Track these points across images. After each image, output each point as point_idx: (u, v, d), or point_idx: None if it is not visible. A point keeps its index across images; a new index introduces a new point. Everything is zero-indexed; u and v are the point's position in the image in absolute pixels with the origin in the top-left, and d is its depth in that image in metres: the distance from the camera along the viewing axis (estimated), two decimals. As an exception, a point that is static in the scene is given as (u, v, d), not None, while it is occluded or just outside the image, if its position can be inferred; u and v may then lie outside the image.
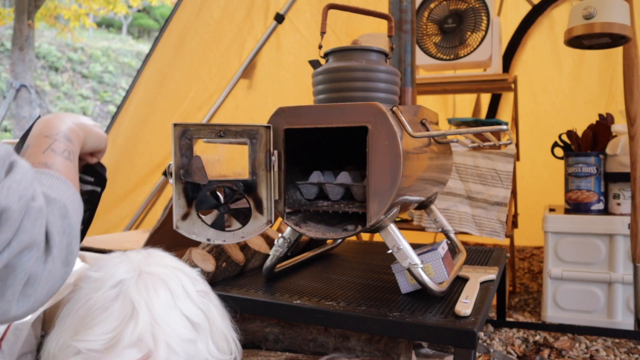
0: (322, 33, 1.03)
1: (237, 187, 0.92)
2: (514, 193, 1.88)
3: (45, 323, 1.63)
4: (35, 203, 0.52)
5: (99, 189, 0.83)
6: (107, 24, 14.01)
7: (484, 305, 0.94)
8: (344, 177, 1.01)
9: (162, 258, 0.67)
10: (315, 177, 1.04)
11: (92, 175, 0.82)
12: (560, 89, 2.62)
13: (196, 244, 1.19)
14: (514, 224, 1.95)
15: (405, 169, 0.88)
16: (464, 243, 1.76)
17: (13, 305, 0.51)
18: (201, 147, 0.94)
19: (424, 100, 2.71)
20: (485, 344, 1.51)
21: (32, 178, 0.53)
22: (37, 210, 0.52)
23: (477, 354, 1.39)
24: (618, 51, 1.80)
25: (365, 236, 2.15)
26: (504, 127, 0.90)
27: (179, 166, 0.89)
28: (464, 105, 2.85)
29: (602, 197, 1.71)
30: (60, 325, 0.61)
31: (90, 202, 0.81)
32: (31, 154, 0.66)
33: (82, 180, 0.80)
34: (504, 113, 2.75)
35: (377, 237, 2.12)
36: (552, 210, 1.79)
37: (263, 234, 1.32)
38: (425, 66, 1.99)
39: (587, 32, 1.39)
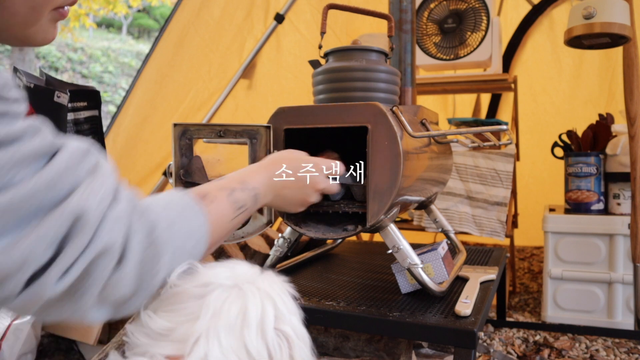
0: (322, 33, 1.03)
1: (237, 187, 0.92)
2: (514, 193, 1.88)
3: (45, 323, 1.63)
4: (117, 208, 0.48)
5: (96, 112, 0.82)
6: (107, 24, 14.01)
7: (484, 305, 0.94)
8: (344, 178, 1.01)
9: (272, 280, 0.61)
10: None
11: (85, 100, 0.80)
12: (560, 89, 2.62)
13: (196, 244, 1.19)
14: (514, 224, 1.95)
15: (405, 169, 0.88)
16: (464, 243, 1.76)
17: (88, 312, 0.48)
18: (201, 147, 0.94)
19: (424, 100, 2.71)
20: (485, 344, 1.51)
21: (114, 181, 0.50)
22: (118, 215, 0.48)
23: (477, 354, 1.39)
24: (618, 51, 1.80)
25: (365, 236, 2.15)
26: (504, 127, 0.90)
27: (179, 166, 0.89)
28: (464, 105, 2.85)
29: (602, 197, 1.71)
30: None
31: (94, 126, 0.80)
32: (213, 182, 0.66)
33: (75, 109, 0.78)
34: (504, 113, 2.75)
35: (377, 237, 2.12)
36: (552, 210, 1.79)
37: (263, 234, 1.32)
38: (425, 66, 1.99)
39: (587, 32, 1.39)
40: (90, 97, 0.80)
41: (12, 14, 0.52)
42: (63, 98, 0.74)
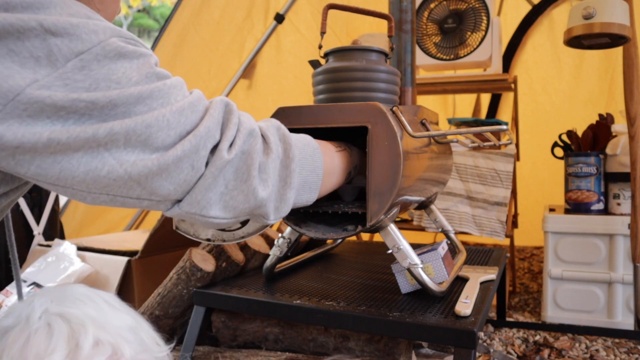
0: (322, 33, 1.03)
1: (237, 187, 0.93)
2: (514, 193, 1.88)
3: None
4: (243, 112, 0.63)
5: None
6: (107, 24, 13.98)
7: (484, 305, 0.94)
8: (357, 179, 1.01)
9: (73, 289, 0.62)
10: None
11: None
12: (560, 89, 2.62)
13: (196, 244, 1.19)
14: (514, 224, 1.95)
15: (405, 169, 0.88)
16: (464, 243, 1.76)
17: (258, 186, 0.60)
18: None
19: (424, 100, 2.71)
20: (485, 344, 1.51)
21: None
22: (247, 114, 0.63)
23: (477, 354, 1.39)
24: (618, 51, 1.80)
25: (365, 236, 2.15)
26: (504, 127, 0.90)
27: (179, 166, 0.89)
28: (464, 105, 2.85)
29: (602, 197, 1.71)
30: None
31: None
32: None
33: None
34: (504, 113, 2.75)
35: (377, 237, 2.12)
36: (552, 210, 1.79)
37: (263, 234, 1.32)
38: (425, 66, 1.99)
39: (586, 32, 1.39)
40: None
41: (111, 9, 0.66)
42: None
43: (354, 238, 1.87)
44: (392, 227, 0.95)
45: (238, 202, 0.60)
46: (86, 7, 0.53)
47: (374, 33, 2.00)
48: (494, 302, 1.65)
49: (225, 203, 0.59)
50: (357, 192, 1.02)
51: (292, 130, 0.95)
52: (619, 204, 1.67)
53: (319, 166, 0.72)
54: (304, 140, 0.71)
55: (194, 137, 0.54)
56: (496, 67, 1.90)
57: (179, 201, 0.57)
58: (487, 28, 1.86)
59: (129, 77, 0.51)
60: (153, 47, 2.43)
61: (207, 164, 0.56)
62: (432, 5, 1.94)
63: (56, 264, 1.54)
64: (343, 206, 0.99)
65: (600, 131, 1.75)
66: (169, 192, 0.55)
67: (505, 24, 2.56)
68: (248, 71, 2.63)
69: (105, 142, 0.50)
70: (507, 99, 2.71)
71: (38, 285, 1.45)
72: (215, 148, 0.57)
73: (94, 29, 0.49)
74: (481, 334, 1.57)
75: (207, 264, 1.13)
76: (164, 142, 0.53)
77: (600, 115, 1.85)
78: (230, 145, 0.58)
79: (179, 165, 0.54)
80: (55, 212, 1.97)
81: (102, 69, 0.49)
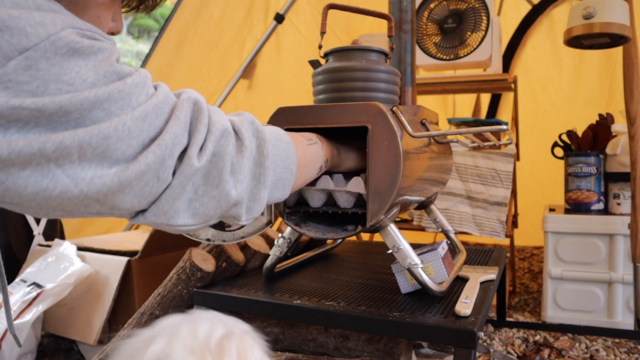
0: (322, 33, 1.03)
1: (237, 187, 0.92)
2: (514, 193, 1.88)
3: (46, 323, 1.63)
4: (214, 107, 0.58)
5: None
6: (107, 24, 13.99)
7: (484, 305, 0.94)
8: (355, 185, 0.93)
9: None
10: (324, 182, 0.95)
11: None
12: (560, 88, 2.62)
13: (196, 244, 1.19)
14: (514, 224, 1.95)
15: (405, 169, 0.88)
16: (464, 243, 1.76)
17: (231, 188, 0.56)
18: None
19: (424, 100, 2.71)
20: (485, 344, 1.51)
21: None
22: (219, 111, 0.58)
23: (477, 354, 1.39)
24: (618, 51, 1.80)
25: (365, 236, 2.15)
26: (504, 127, 0.90)
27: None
28: (464, 105, 2.85)
29: (602, 197, 1.71)
30: None
31: None
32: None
33: None
34: (504, 113, 2.75)
35: (377, 237, 2.12)
36: (552, 210, 1.79)
37: (263, 234, 1.32)
38: (425, 66, 1.99)
39: (586, 32, 1.39)
40: None
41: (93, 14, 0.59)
42: None
43: (354, 238, 1.87)
44: (392, 227, 0.95)
45: (209, 208, 0.56)
46: None
47: (374, 33, 2.00)
48: (494, 302, 1.65)
49: (194, 210, 0.55)
50: (354, 199, 0.97)
51: (292, 130, 0.95)
52: (619, 204, 1.67)
53: (293, 162, 0.67)
54: (277, 134, 0.66)
55: (158, 147, 0.48)
56: (496, 67, 1.90)
57: (144, 211, 0.52)
58: (487, 28, 1.86)
59: (84, 77, 0.44)
60: (153, 47, 2.43)
61: (174, 172, 0.51)
62: (432, 5, 1.94)
63: (56, 264, 1.54)
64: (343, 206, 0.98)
65: (600, 131, 1.75)
66: (132, 206, 0.50)
67: (505, 24, 2.56)
68: (248, 71, 2.63)
69: (55, 158, 0.43)
70: (507, 99, 2.71)
71: (38, 286, 1.45)
72: (183, 153, 0.52)
73: (40, 20, 0.42)
74: (481, 334, 1.57)
75: (207, 264, 1.13)
76: (125, 154, 0.47)
77: (600, 115, 1.85)
78: (201, 149, 0.52)
79: (142, 179, 0.48)
80: (55, 212, 1.96)
81: (51, 68, 0.42)
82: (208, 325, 0.49)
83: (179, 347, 0.46)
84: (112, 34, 0.61)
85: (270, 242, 1.32)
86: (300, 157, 0.71)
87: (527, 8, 2.60)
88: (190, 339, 0.47)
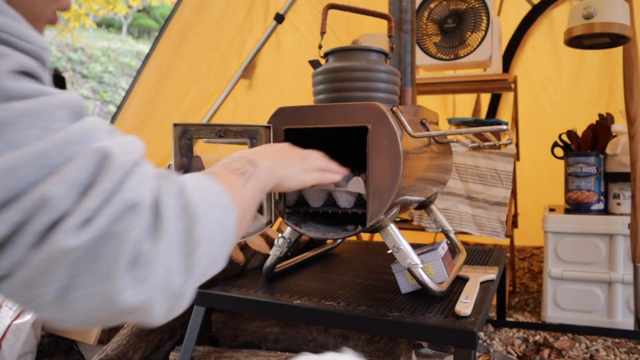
0: (322, 33, 1.03)
1: (237, 187, 0.92)
2: (514, 193, 1.88)
3: (46, 323, 1.63)
4: (143, 168, 0.42)
5: None
6: (107, 24, 14.00)
7: (484, 305, 0.94)
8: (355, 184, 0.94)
9: None
10: None
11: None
12: (560, 88, 2.62)
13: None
14: (514, 224, 1.95)
15: (405, 169, 0.88)
16: (464, 243, 1.76)
17: (122, 287, 0.39)
18: (201, 147, 0.94)
19: (424, 100, 2.71)
20: (485, 344, 1.51)
21: (140, 146, 0.46)
22: (145, 174, 0.42)
23: (477, 354, 1.39)
24: (618, 51, 1.80)
25: (365, 236, 2.15)
26: (504, 127, 0.90)
27: (179, 166, 0.89)
28: (464, 105, 2.85)
29: (602, 197, 1.71)
30: None
31: None
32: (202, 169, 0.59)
33: None
34: (504, 113, 2.75)
35: (377, 237, 2.12)
36: (552, 210, 1.79)
37: (263, 234, 1.32)
38: (425, 66, 1.99)
39: (587, 32, 1.39)
40: (57, 83, 0.76)
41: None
42: None
43: (354, 238, 1.87)
44: (392, 227, 0.95)
45: (88, 308, 0.39)
46: None
47: (374, 33, 2.00)
48: (494, 302, 1.65)
49: (66, 304, 0.38)
50: (354, 199, 0.98)
51: (292, 130, 0.95)
52: (619, 204, 1.67)
53: (232, 230, 0.50)
54: (210, 196, 0.48)
55: (13, 212, 0.36)
56: (496, 67, 1.90)
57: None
58: (487, 28, 1.86)
59: None
60: (153, 47, 2.44)
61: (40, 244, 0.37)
62: (432, 5, 1.94)
63: (56, 264, 1.54)
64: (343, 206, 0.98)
65: (600, 131, 1.75)
66: None
67: (505, 24, 2.56)
68: (248, 71, 2.63)
69: None
70: (507, 99, 2.70)
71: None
72: (56, 224, 0.37)
73: None
74: (481, 334, 1.57)
75: (207, 264, 1.13)
76: None
77: (600, 115, 1.85)
78: (86, 221, 0.37)
79: None
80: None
81: None
82: None
83: None
84: (63, 10, 0.55)
85: (270, 242, 1.32)
86: (239, 215, 0.53)
87: (527, 8, 2.60)
88: None
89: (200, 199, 0.46)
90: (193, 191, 0.46)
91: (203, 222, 0.45)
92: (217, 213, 0.48)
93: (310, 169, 0.80)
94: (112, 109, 9.66)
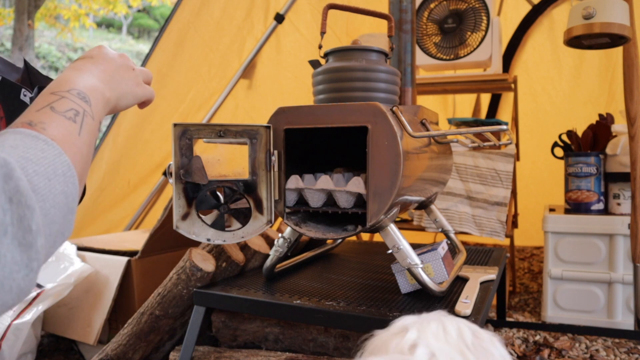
0: (322, 33, 1.03)
1: (237, 187, 0.92)
2: (514, 193, 1.88)
3: (45, 323, 1.63)
4: None
5: None
6: (107, 24, 14.01)
7: (484, 305, 0.94)
8: (324, 182, 0.95)
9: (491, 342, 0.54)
10: (293, 182, 0.97)
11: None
12: (560, 89, 2.62)
13: (196, 244, 1.19)
14: (514, 224, 1.95)
15: (405, 169, 0.88)
16: (464, 243, 1.75)
17: None
18: (201, 147, 0.94)
19: (424, 100, 2.71)
20: (485, 344, 1.50)
21: None
22: None
23: (477, 354, 1.39)
24: (618, 51, 1.80)
25: (365, 236, 2.15)
26: (504, 127, 0.90)
27: (179, 166, 0.89)
28: (464, 105, 2.85)
29: (602, 197, 1.71)
30: None
31: None
32: (24, 114, 0.50)
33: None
34: (504, 113, 2.75)
35: (377, 237, 2.12)
36: (552, 210, 1.79)
37: (263, 234, 1.32)
38: (425, 66, 1.99)
39: (586, 32, 1.39)
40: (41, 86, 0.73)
41: None
42: (28, 97, 0.69)
43: (354, 238, 1.87)
44: (392, 227, 0.95)
45: None
46: None
47: (374, 33, 2.00)
48: (494, 302, 1.65)
49: None
50: (354, 199, 0.98)
51: (292, 130, 0.95)
52: (619, 204, 1.67)
53: (74, 195, 0.47)
54: (42, 165, 0.44)
55: None
56: (496, 67, 1.90)
57: None
58: (487, 28, 1.86)
59: None
60: (153, 47, 2.43)
61: None
62: (432, 5, 1.94)
63: (56, 264, 1.54)
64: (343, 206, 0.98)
65: (600, 131, 1.75)
66: None
67: (505, 24, 2.56)
68: (248, 71, 2.63)
69: None
70: (507, 99, 2.70)
71: (38, 285, 1.45)
72: None
73: None
74: (481, 334, 1.56)
75: (207, 264, 1.13)
76: None
77: (600, 115, 1.85)
78: None
79: None
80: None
81: None
82: (454, 323, 0.54)
83: (432, 337, 0.50)
84: None
85: (270, 242, 1.32)
86: (80, 172, 0.49)
87: (527, 8, 2.60)
88: (442, 332, 0.52)
89: (33, 175, 0.42)
90: (24, 166, 0.41)
91: (41, 203, 0.41)
92: (56, 185, 0.44)
93: (142, 80, 0.71)
94: (112, 109, 9.62)
